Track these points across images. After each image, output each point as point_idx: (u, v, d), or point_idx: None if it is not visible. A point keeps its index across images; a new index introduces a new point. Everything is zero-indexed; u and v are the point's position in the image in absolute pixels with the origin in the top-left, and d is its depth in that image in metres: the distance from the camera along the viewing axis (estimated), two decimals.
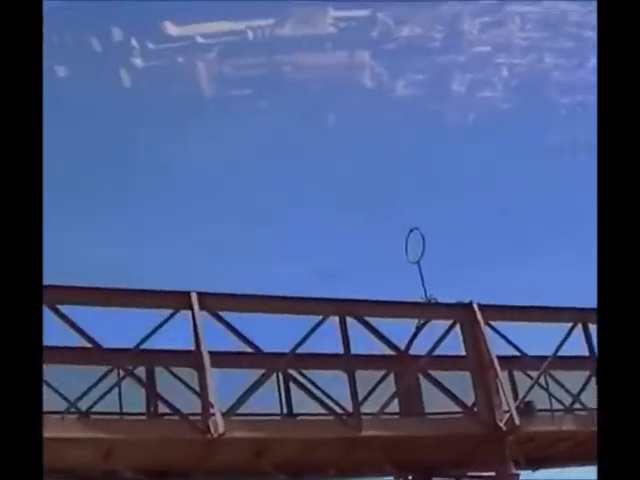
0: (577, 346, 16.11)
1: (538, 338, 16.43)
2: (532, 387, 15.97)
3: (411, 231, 16.46)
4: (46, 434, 12.30)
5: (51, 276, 13.57)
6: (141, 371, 15.13)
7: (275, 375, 15.42)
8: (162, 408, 14.46)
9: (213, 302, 13.64)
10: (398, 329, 15.47)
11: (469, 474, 16.59)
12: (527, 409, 15.73)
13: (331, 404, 14.59)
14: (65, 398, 14.51)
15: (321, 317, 14.14)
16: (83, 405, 14.71)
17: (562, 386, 16.38)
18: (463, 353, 15.62)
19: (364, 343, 14.73)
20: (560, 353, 16.06)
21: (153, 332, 13.28)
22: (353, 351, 14.46)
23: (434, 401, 15.93)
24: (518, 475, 15.22)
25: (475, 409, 15.56)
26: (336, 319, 14.30)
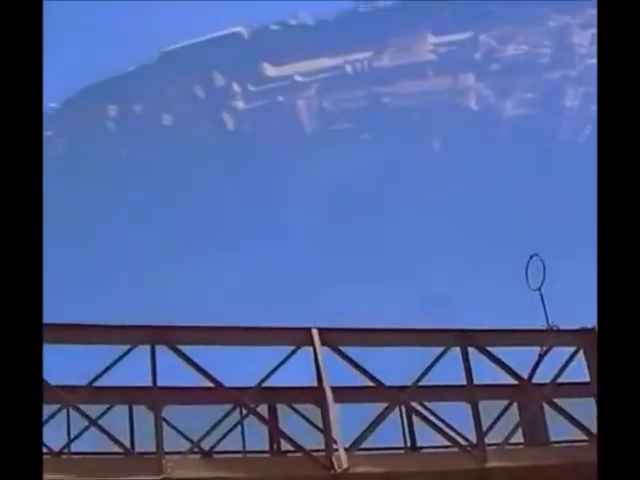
0: None
1: None
2: None
3: (531, 257, 16.15)
4: (170, 474, 12.50)
5: (169, 317, 13.70)
6: (263, 408, 15.16)
7: (398, 408, 15.28)
8: (285, 445, 14.42)
9: (334, 337, 13.58)
10: (520, 357, 15.17)
11: None
12: None
13: (455, 436, 14.39)
14: (188, 438, 14.62)
15: (442, 348, 13.97)
16: (206, 444, 14.77)
17: None
18: (588, 379, 15.24)
19: (486, 372, 14.48)
20: None
21: (275, 369, 13.26)
22: (475, 381, 14.23)
23: (559, 429, 15.57)
24: None
25: None
26: (457, 349, 14.11)
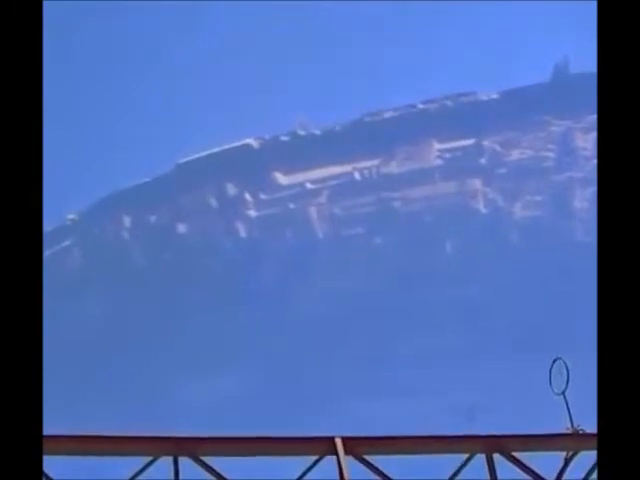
0: None
1: None
2: None
3: (555, 361, 16.02)
4: None
5: (183, 426, 13.61)
6: None
7: None
8: None
9: (358, 446, 13.43)
10: (546, 462, 14.97)
11: None
12: None
13: None
14: None
15: (468, 455, 13.79)
16: None
17: None
18: None
19: (512, 476, 14.28)
20: None
21: (299, 479, 13.12)
22: None
23: None
24: None
25: None
26: (483, 456, 13.92)
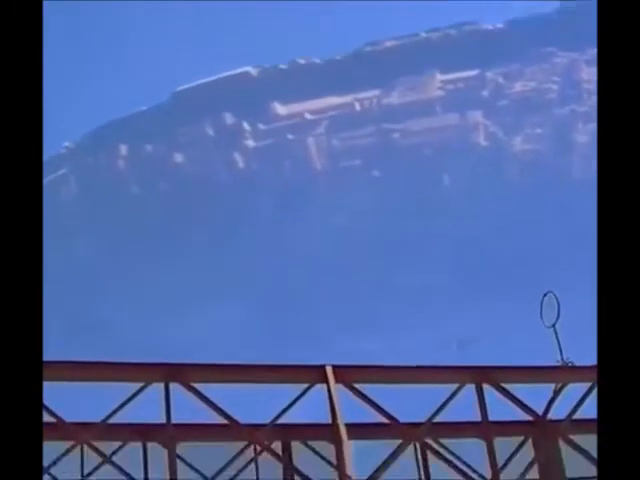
0: None
1: None
2: None
3: (545, 295, 16.10)
4: None
5: (186, 355, 13.69)
6: (277, 446, 15.08)
7: (412, 445, 15.19)
8: None
9: (348, 375, 13.53)
10: (535, 394, 15.08)
11: None
12: None
13: (469, 472, 14.28)
14: (202, 474, 14.55)
15: (457, 385, 13.90)
16: None
17: None
18: None
19: (501, 409, 14.40)
20: None
21: (289, 406, 13.22)
22: (490, 417, 14.14)
23: (575, 466, 15.44)
24: None
25: None
26: (472, 387, 14.03)
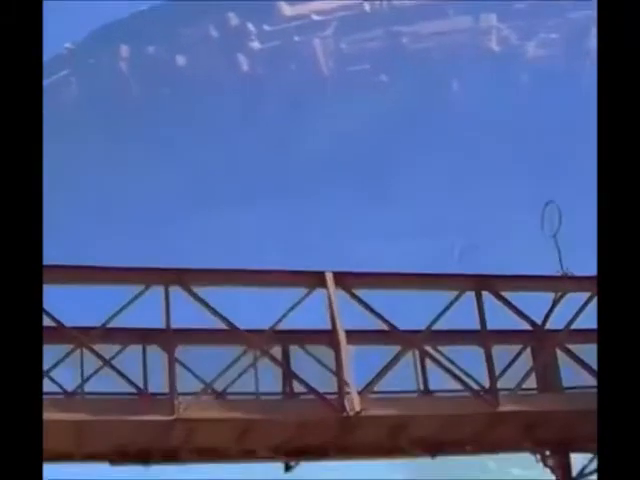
0: None
1: None
2: None
3: (547, 204, 16.05)
4: (182, 415, 12.58)
5: (186, 259, 13.70)
6: (277, 351, 15.17)
7: (411, 352, 15.28)
8: (298, 387, 14.47)
9: (348, 280, 13.54)
10: (535, 303, 15.12)
11: None
12: None
13: (468, 380, 14.39)
14: (201, 379, 14.65)
15: (457, 293, 13.91)
16: (219, 386, 14.81)
17: None
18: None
19: (500, 318, 14.45)
20: None
21: (289, 312, 13.27)
22: (489, 326, 14.19)
23: (572, 375, 15.56)
24: None
25: None
26: (472, 295, 14.05)
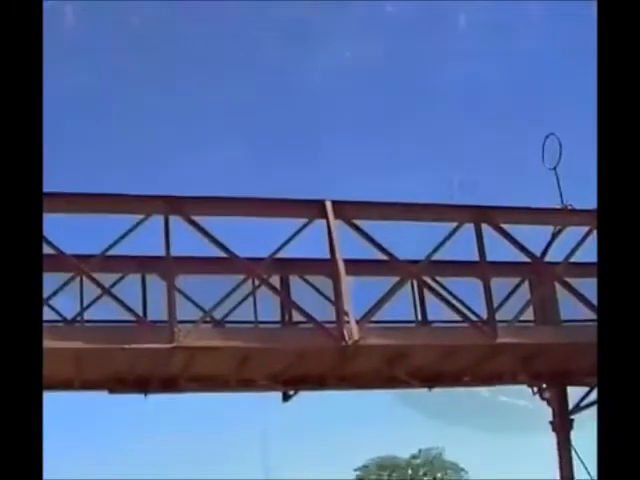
0: None
1: None
2: None
3: (547, 137, 16.00)
4: (181, 343, 12.63)
5: (187, 188, 13.64)
6: (276, 280, 15.20)
7: (410, 283, 15.33)
8: (297, 316, 14.51)
9: (348, 210, 13.52)
10: (534, 236, 15.11)
11: None
12: None
13: (466, 312, 14.44)
14: (200, 307, 14.70)
15: (456, 224, 13.90)
16: (218, 314, 14.86)
17: None
18: None
19: (499, 250, 14.44)
20: None
21: (288, 241, 13.25)
22: (488, 258, 14.20)
23: (570, 309, 15.61)
24: None
25: None
26: (471, 226, 14.04)
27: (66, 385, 14.76)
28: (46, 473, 8.01)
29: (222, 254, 13.15)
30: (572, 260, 14.81)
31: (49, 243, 12.51)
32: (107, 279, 14.08)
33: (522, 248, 14.43)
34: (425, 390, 16.22)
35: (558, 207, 15.62)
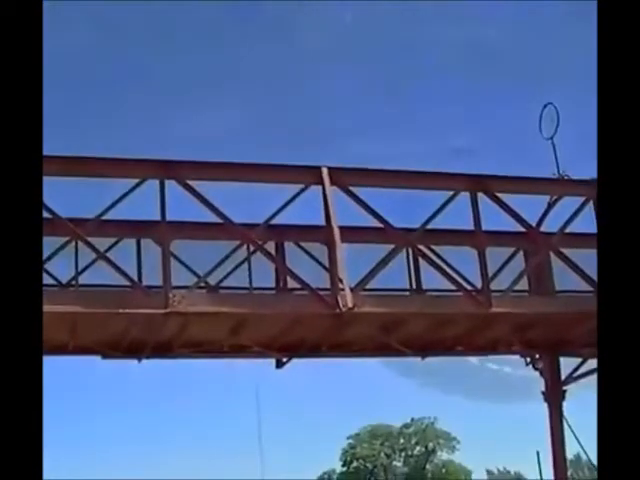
0: None
1: None
2: None
3: (545, 106, 15.91)
4: (175, 308, 12.60)
5: (182, 152, 13.58)
6: (271, 246, 15.16)
7: (404, 251, 15.29)
8: (292, 283, 14.49)
9: (344, 177, 13.45)
10: (530, 206, 15.07)
11: None
12: None
13: (460, 281, 14.42)
14: (194, 272, 14.66)
15: (452, 193, 13.85)
16: (213, 280, 14.84)
17: None
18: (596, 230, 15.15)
19: (495, 219, 14.40)
20: None
21: (283, 207, 13.19)
22: (483, 227, 14.15)
23: (565, 279, 15.60)
24: None
25: None
26: (467, 194, 13.99)
27: (60, 349, 14.77)
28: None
29: (217, 219, 13.09)
30: (568, 230, 14.78)
31: (44, 207, 12.45)
32: (102, 243, 14.02)
33: (518, 218, 14.39)
34: (418, 360, 16.24)
35: (555, 177, 15.56)
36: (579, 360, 17.27)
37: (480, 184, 14.03)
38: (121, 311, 12.68)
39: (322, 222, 13.41)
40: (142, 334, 14.17)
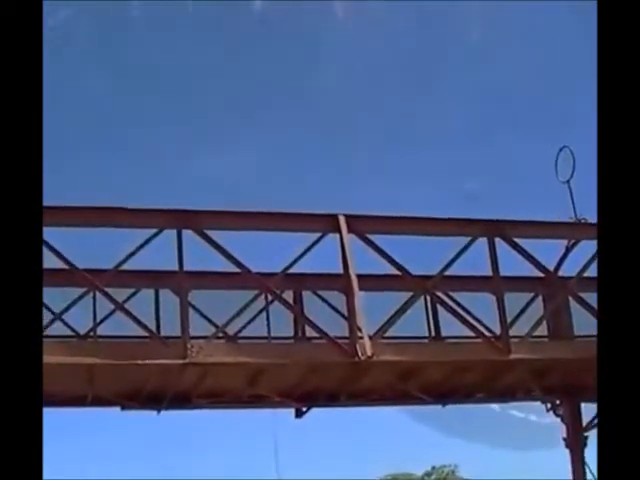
0: None
1: None
2: None
3: (561, 149, 15.93)
4: (194, 359, 12.56)
5: (196, 201, 13.59)
6: (289, 295, 15.15)
7: (423, 298, 15.26)
8: (310, 332, 14.45)
9: (361, 224, 13.46)
10: (547, 250, 15.03)
11: None
12: None
13: (479, 327, 14.37)
14: (212, 322, 14.66)
15: (469, 239, 13.83)
16: (231, 329, 14.83)
17: None
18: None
19: (512, 264, 14.36)
20: None
21: (301, 256, 13.19)
22: (501, 273, 14.11)
23: (584, 323, 15.51)
24: None
25: None
26: (484, 240, 13.97)
27: (78, 401, 14.73)
28: None
29: (235, 268, 13.10)
30: (586, 274, 14.71)
31: (62, 258, 12.49)
32: (120, 294, 14.04)
33: (536, 263, 14.35)
34: (438, 406, 16.14)
35: (572, 221, 15.54)
36: None
37: (497, 229, 14.01)
38: (139, 362, 12.65)
39: (339, 268, 13.40)
40: (160, 385, 14.12)
